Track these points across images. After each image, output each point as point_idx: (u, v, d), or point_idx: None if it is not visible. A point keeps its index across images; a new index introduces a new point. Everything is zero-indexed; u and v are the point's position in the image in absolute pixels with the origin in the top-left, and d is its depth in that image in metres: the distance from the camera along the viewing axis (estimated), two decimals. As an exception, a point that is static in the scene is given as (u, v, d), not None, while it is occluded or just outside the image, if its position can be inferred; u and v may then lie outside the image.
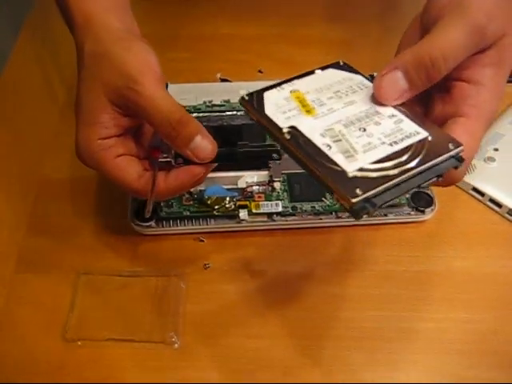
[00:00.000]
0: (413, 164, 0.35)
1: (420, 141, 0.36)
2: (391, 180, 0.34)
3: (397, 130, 0.36)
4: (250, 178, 0.56)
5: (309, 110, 0.37)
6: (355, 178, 0.34)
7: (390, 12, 0.77)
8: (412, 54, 0.37)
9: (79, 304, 0.51)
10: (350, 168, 0.34)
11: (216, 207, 0.55)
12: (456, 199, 0.59)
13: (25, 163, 0.62)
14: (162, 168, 0.45)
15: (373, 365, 0.48)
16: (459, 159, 0.36)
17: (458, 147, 0.36)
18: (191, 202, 0.55)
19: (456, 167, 0.36)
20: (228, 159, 0.45)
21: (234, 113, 0.57)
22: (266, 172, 0.57)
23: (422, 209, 0.56)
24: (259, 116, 0.38)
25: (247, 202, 0.55)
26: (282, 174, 0.57)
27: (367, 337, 0.50)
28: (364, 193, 0.33)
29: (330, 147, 0.35)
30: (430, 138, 0.36)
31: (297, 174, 0.57)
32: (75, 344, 0.49)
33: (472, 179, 0.59)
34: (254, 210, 0.55)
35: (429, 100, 0.40)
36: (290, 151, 0.36)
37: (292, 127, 0.36)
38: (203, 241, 0.55)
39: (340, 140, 0.35)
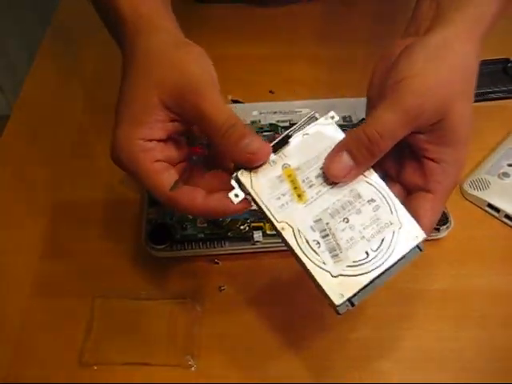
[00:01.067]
0: (387, 261, 0.40)
1: (393, 233, 0.41)
2: (369, 278, 0.40)
3: (375, 219, 0.41)
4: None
5: (300, 195, 0.41)
6: (340, 277, 0.39)
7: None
8: (351, 135, 0.42)
9: (95, 328, 0.51)
10: (336, 269, 0.40)
11: (230, 229, 0.55)
12: (471, 216, 0.58)
13: (39, 187, 0.62)
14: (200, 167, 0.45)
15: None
16: (421, 249, 0.41)
17: (421, 237, 0.41)
18: (205, 225, 0.55)
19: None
20: None
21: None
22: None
23: (438, 227, 0.55)
24: (256, 201, 0.41)
25: (261, 224, 0.55)
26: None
27: (382, 355, 0.49)
28: (347, 295, 0.39)
29: (319, 245, 0.40)
30: (400, 227, 0.41)
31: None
32: (91, 368, 0.49)
33: (487, 195, 0.58)
34: (268, 232, 0.55)
35: (400, 161, 0.45)
36: (284, 241, 0.41)
37: (285, 222, 0.40)
38: (218, 263, 0.55)
39: (327, 235, 0.40)
